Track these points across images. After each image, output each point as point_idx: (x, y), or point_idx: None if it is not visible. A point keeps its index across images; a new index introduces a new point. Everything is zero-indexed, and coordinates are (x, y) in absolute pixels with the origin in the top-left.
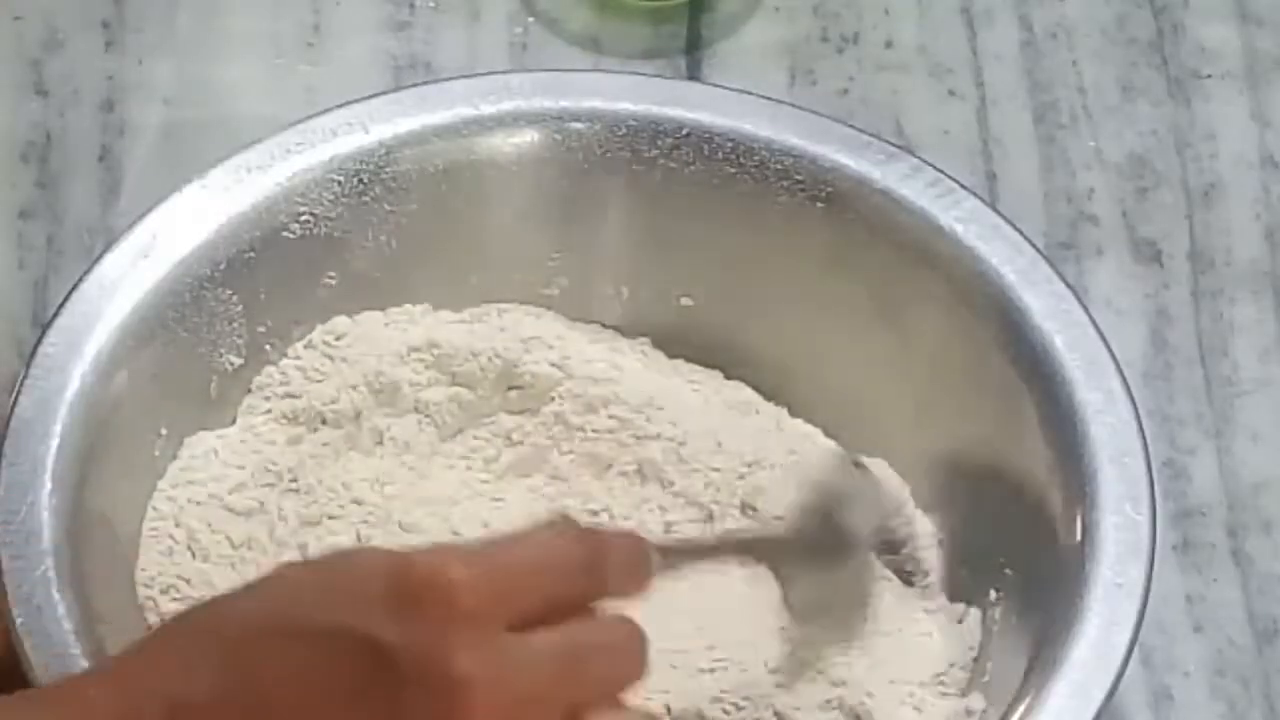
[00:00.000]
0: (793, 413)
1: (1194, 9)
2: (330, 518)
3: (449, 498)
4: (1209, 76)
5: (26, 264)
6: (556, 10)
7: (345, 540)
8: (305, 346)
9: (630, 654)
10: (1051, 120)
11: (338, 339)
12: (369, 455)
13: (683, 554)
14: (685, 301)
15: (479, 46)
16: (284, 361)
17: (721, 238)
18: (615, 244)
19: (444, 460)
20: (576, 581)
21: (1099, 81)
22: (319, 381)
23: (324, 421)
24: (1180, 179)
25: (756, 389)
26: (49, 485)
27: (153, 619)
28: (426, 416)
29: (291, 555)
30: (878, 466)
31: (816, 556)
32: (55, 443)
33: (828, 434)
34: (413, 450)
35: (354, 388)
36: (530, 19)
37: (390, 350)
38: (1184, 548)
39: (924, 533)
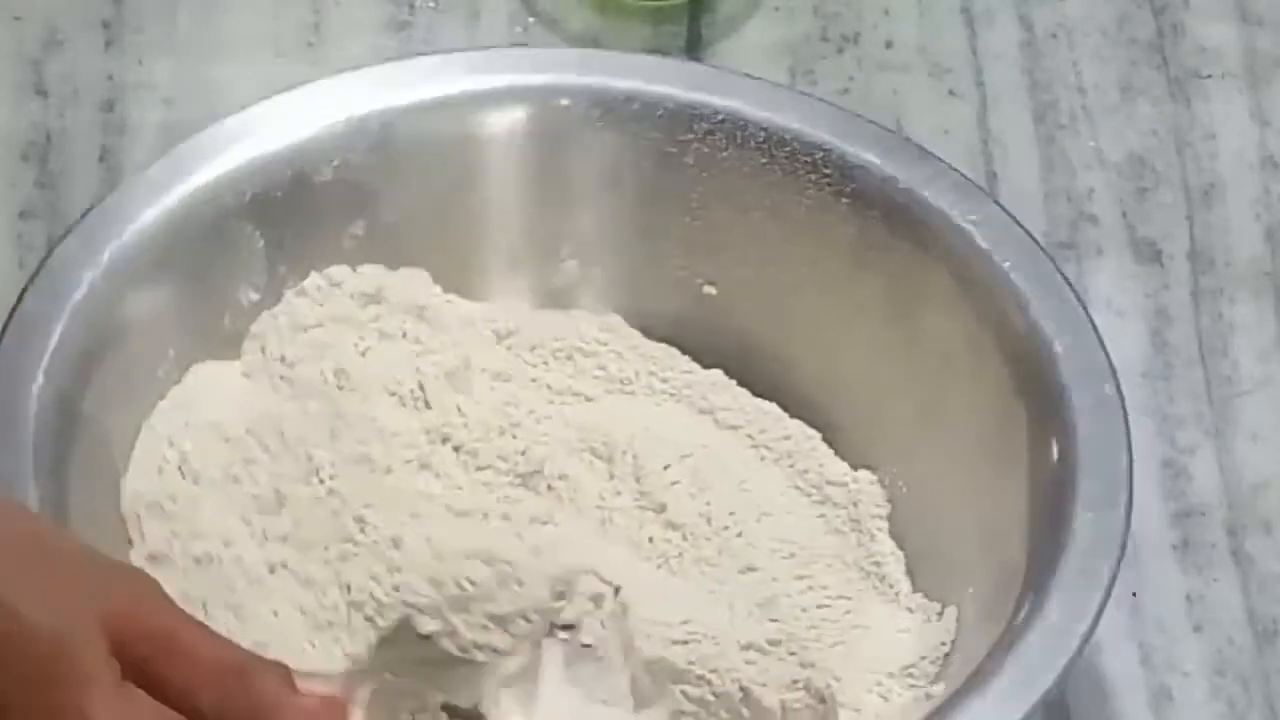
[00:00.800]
0: (798, 408)
1: (1194, 9)
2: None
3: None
4: (1209, 76)
5: (26, 264)
6: (556, 10)
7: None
8: (296, 294)
9: None
10: (1051, 120)
11: (333, 286)
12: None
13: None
14: (708, 290)
15: (479, 46)
16: (278, 307)
17: (748, 227)
18: (642, 226)
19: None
20: None
21: (1099, 81)
22: (304, 330)
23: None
24: (1180, 179)
25: (763, 379)
26: (41, 380)
27: (134, 534)
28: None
29: (286, 488)
30: (862, 480)
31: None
32: (54, 340)
33: (830, 429)
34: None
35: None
36: (530, 19)
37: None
38: (1184, 548)
39: (889, 552)
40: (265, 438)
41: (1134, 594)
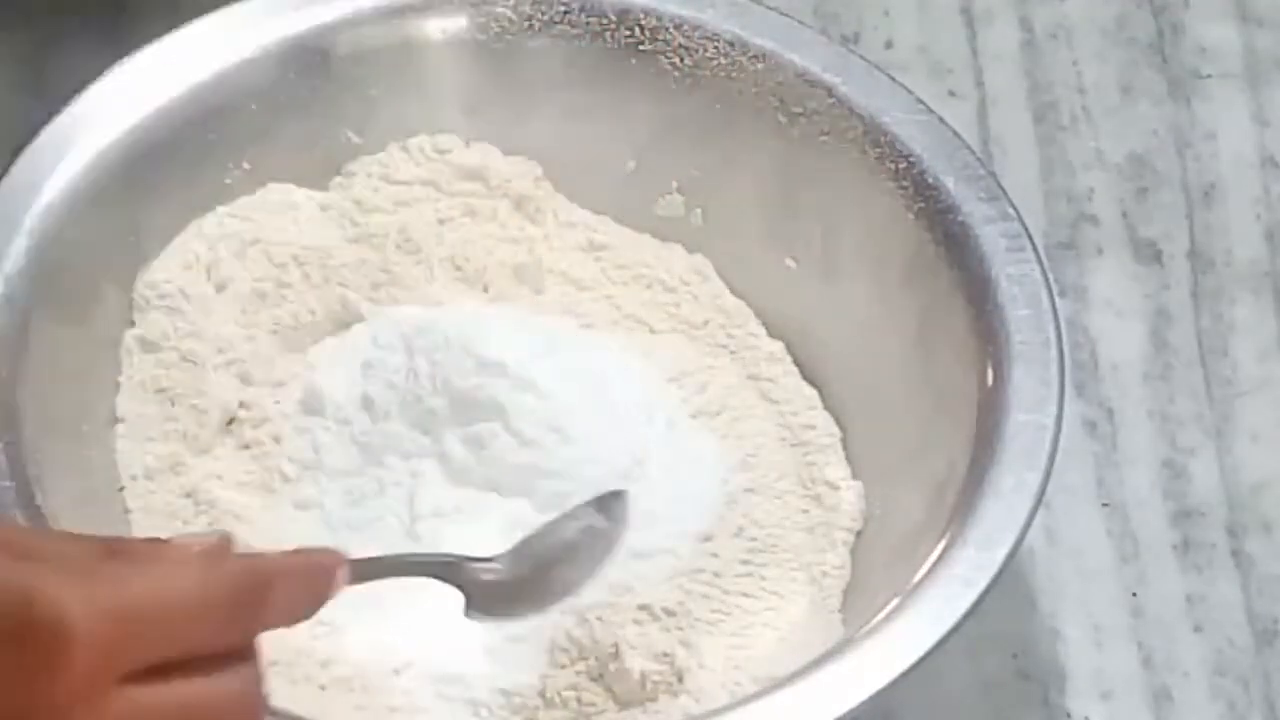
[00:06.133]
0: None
1: (1194, 9)
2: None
3: None
4: (1209, 76)
5: None
6: None
7: None
8: (400, 148)
9: (245, 712)
10: (1051, 120)
11: (438, 151)
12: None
13: (375, 569)
14: (789, 263)
15: None
16: (377, 154)
17: (829, 216)
18: (742, 182)
19: None
20: (220, 631)
21: (1099, 81)
22: (391, 183)
23: None
24: (1180, 179)
25: (810, 363)
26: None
27: (136, 315)
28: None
29: (307, 318)
30: (852, 491)
31: (515, 599)
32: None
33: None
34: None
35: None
36: None
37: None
38: (1184, 548)
39: (839, 566)
40: (309, 268)
41: (1134, 594)
